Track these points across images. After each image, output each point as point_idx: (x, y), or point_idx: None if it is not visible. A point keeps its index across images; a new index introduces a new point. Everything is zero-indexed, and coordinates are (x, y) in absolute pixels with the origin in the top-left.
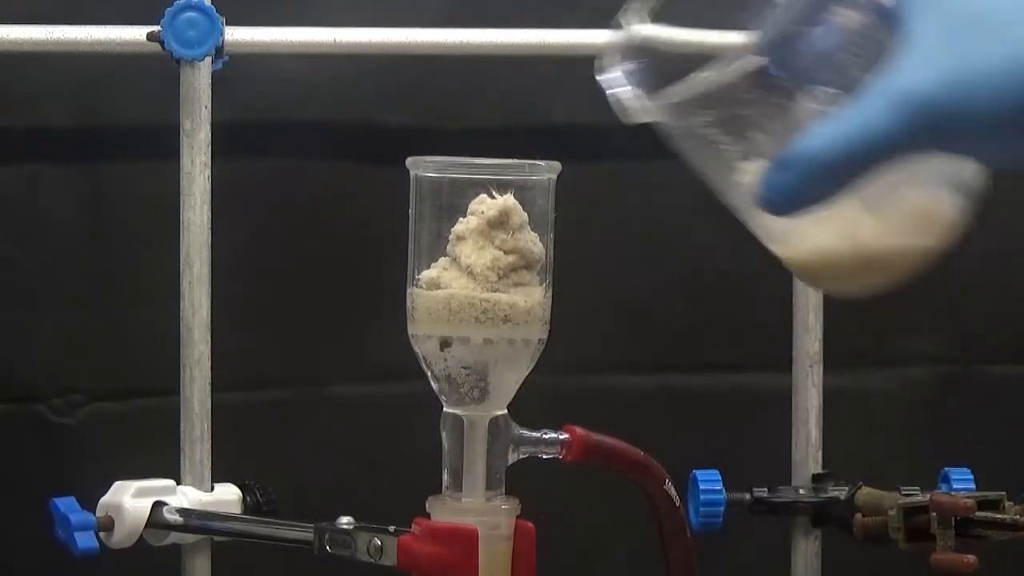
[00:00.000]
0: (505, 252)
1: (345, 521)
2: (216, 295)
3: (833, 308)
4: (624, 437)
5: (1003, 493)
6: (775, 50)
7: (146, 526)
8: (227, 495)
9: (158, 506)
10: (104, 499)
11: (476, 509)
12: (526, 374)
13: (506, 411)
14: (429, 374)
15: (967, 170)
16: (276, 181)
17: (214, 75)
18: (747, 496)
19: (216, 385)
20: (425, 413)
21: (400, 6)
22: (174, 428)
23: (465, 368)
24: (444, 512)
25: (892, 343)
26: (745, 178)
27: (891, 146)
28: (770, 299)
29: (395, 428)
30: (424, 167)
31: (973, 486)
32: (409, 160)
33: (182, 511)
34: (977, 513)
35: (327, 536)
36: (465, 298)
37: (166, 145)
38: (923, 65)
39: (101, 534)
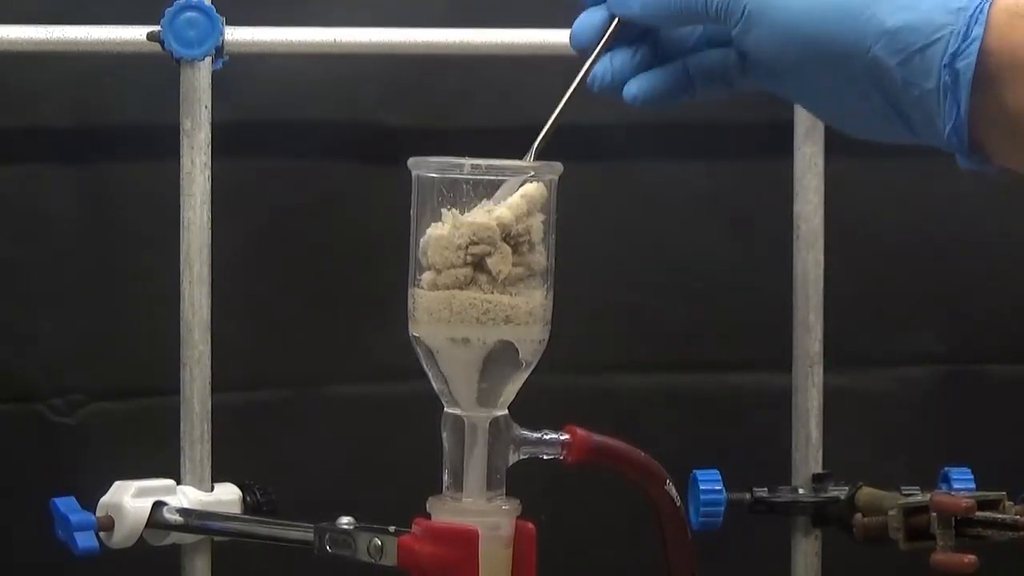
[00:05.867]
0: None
1: (345, 521)
2: (216, 295)
3: (833, 308)
4: (624, 437)
5: (1003, 493)
6: None
7: (146, 526)
8: (227, 495)
9: (158, 506)
10: (104, 499)
11: (477, 510)
12: (527, 375)
13: (507, 412)
14: (429, 374)
15: None
16: (276, 181)
17: (214, 75)
18: (747, 496)
19: (216, 385)
20: (425, 413)
21: (400, 6)
22: (174, 428)
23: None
24: (444, 512)
25: (892, 343)
26: None
27: None
28: (770, 299)
29: (395, 428)
30: (425, 167)
31: (973, 486)
32: (410, 160)
33: (182, 511)
34: (977, 513)
35: (327, 536)
36: (466, 299)
37: (166, 145)
38: None
39: (101, 534)
